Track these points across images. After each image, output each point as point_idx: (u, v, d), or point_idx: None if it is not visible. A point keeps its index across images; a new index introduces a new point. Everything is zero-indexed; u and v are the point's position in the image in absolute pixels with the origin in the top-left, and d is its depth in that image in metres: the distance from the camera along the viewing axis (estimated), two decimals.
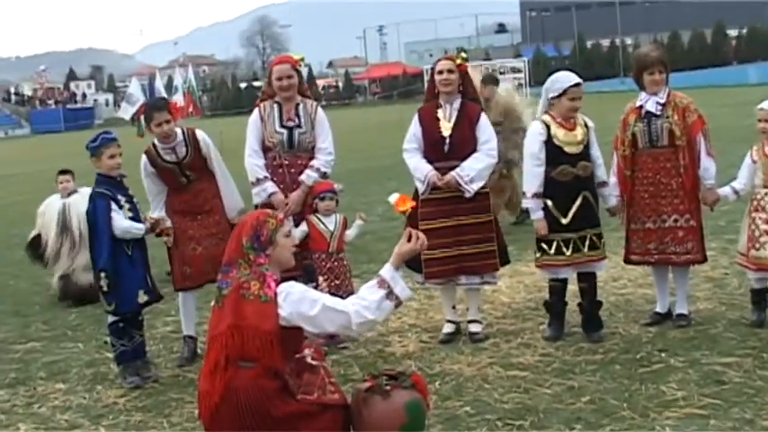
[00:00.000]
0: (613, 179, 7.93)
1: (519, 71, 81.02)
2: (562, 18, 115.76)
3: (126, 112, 40.26)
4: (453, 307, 8.16)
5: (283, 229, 5.17)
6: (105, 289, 7.36)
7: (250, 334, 4.89)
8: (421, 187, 7.88)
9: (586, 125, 7.71)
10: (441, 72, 7.91)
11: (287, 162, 8.09)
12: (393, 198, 5.63)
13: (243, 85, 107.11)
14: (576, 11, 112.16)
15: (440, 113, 7.91)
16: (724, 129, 22.03)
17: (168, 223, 7.86)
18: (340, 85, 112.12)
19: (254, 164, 8.06)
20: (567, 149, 7.58)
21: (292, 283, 5.08)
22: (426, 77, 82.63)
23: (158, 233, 7.77)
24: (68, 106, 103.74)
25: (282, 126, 8.06)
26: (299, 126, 8.04)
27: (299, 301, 4.93)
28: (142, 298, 7.49)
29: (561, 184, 7.59)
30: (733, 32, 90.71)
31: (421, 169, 7.85)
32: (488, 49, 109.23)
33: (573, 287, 7.98)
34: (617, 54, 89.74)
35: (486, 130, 7.94)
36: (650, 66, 7.74)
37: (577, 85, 7.66)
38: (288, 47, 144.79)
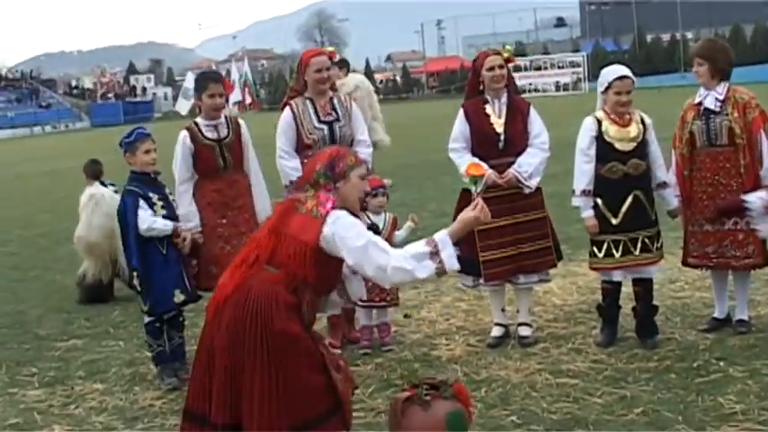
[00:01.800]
0: (673, 179, 7.63)
1: (578, 65, 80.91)
2: (622, 12, 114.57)
3: (182, 106, 40.47)
4: (503, 309, 7.91)
5: (360, 170, 5.02)
6: (138, 288, 7.21)
7: (287, 241, 4.76)
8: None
9: (643, 122, 7.40)
10: (492, 68, 7.63)
11: None
12: (465, 165, 5.39)
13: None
14: (636, 5, 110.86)
15: (488, 109, 7.64)
16: None
17: (196, 228, 7.61)
18: (398, 78, 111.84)
19: (289, 166, 7.74)
20: (618, 146, 7.27)
21: (347, 213, 4.87)
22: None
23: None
24: (128, 99, 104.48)
25: (321, 122, 7.81)
26: (338, 120, 7.82)
27: (346, 227, 4.74)
28: (179, 297, 7.32)
29: (611, 182, 7.30)
30: None
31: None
32: (547, 44, 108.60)
33: (628, 289, 7.69)
34: (677, 48, 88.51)
35: (536, 123, 7.70)
36: (692, 58, 7.53)
37: (622, 77, 7.36)
38: (346, 41, 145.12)
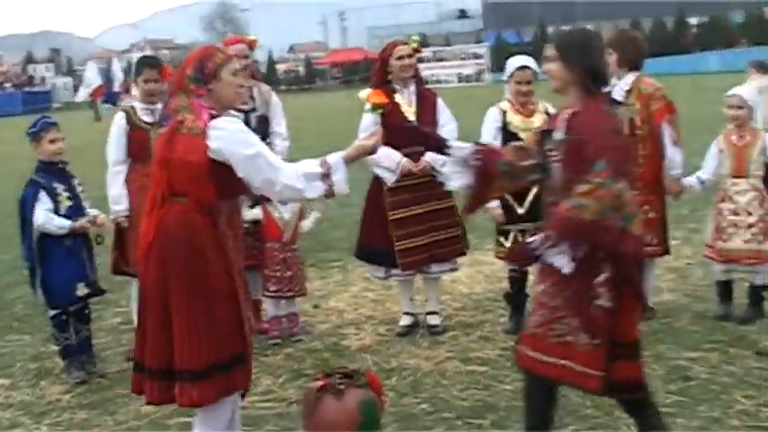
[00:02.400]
0: None
1: (480, 57, 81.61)
2: (524, 5, 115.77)
3: (81, 94, 39.83)
4: (411, 299, 7.93)
5: (230, 65, 4.84)
6: (30, 282, 7.10)
7: (178, 166, 4.66)
8: (390, 177, 7.58)
9: (547, 112, 7.46)
10: (401, 57, 7.64)
11: None
12: (366, 92, 5.33)
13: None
14: None
15: (398, 98, 7.63)
16: (685, 117, 21.81)
17: (105, 221, 7.49)
18: (301, 70, 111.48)
19: None
20: (522, 136, 7.31)
21: (231, 119, 4.79)
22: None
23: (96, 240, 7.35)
24: (26, 89, 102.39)
25: (237, 110, 7.72)
26: (254, 110, 7.77)
27: (232, 137, 4.63)
28: (82, 291, 7.16)
29: None
30: (693, 21, 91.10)
31: (391, 156, 7.52)
32: (449, 35, 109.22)
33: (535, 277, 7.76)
34: None
35: (445, 112, 7.74)
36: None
37: (523, 68, 7.44)
38: (248, 31, 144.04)
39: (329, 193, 4.75)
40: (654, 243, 7.54)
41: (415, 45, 7.79)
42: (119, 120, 7.67)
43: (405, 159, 7.47)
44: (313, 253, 10.58)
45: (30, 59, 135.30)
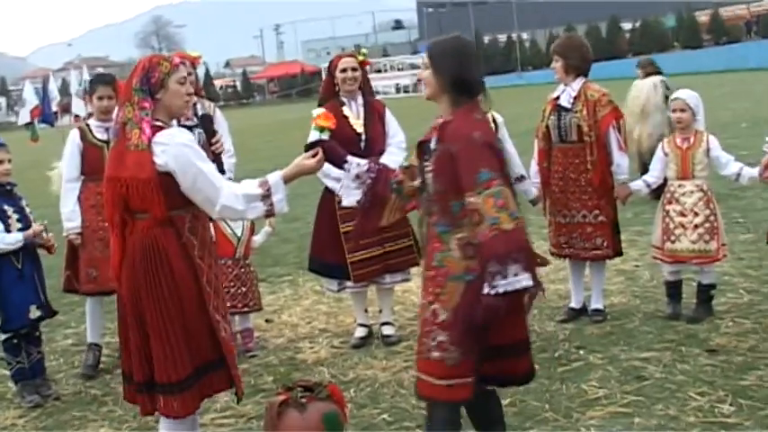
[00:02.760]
0: (534, 168, 7.86)
1: (417, 68, 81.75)
2: (459, 14, 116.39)
3: (22, 116, 39.24)
4: (365, 310, 7.94)
5: (177, 74, 4.80)
6: None
7: (130, 184, 4.64)
8: (338, 187, 7.59)
9: (494, 120, 7.52)
10: (345, 70, 7.68)
11: None
12: (317, 112, 5.32)
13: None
14: (473, 6, 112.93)
15: (346, 111, 7.65)
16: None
17: (76, 229, 7.49)
18: (238, 84, 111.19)
19: None
20: None
21: (175, 132, 4.73)
22: (324, 75, 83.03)
23: (40, 245, 7.23)
24: None
25: (181, 125, 7.65)
26: (197, 126, 7.73)
27: (175, 152, 4.60)
28: (34, 313, 7.09)
29: None
30: (627, 26, 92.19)
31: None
32: (386, 46, 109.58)
33: None
34: (514, 49, 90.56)
35: (393, 123, 7.79)
36: (552, 55, 7.76)
37: None
38: (183, 47, 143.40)
39: (269, 214, 4.78)
40: (605, 246, 7.64)
41: (361, 57, 7.81)
42: (73, 137, 7.63)
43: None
44: (262, 268, 10.55)
45: None
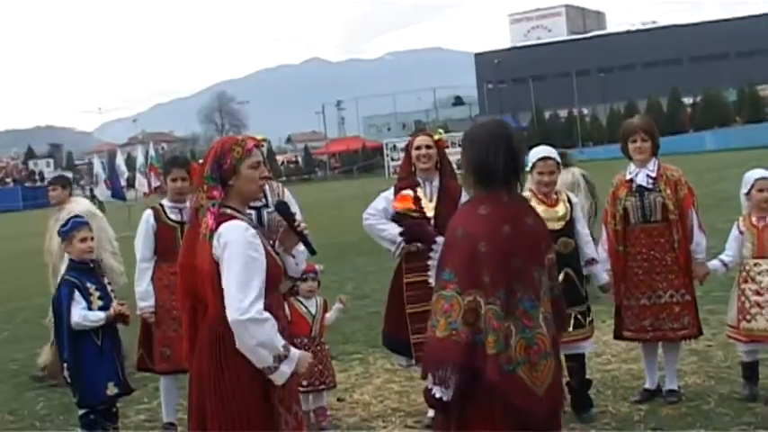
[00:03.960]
0: (604, 254, 7.79)
1: None
2: (519, 89, 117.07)
3: (101, 192, 39.90)
4: None
5: (250, 159, 4.78)
6: (68, 380, 7.15)
7: (198, 273, 4.66)
8: (392, 248, 7.70)
9: (569, 201, 7.57)
10: (419, 147, 7.75)
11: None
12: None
13: (201, 161, 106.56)
14: (533, 82, 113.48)
15: (420, 192, 7.73)
16: None
17: (150, 309, 7.63)
18: (300, 160, 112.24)
19: None
20: (547, 226, 7.39)
21: (235, 227, 4.61)
22: (386, 151, 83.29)
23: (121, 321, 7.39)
24: (26, 185, 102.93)
25: (249, 207, 7.70)
26: (266, 206, 7.82)
27: (227, 249, 4.53)
28: (111, 390, 7.23)
29: None
30: (688, 100, 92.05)
31: (394, 231, 7.66)
32: (447, 122, 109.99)
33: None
34: (575, 124, 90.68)
35: None
36: (633, 133, 7.70)
37: (544, 159, 7.51)
38: (246, 122, 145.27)
39: (266, 372, 4.59)
40: (689, 325, 7.63)
41: (437, 137, 7.87)
42: (147, 217, 7.80)
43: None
44: (332, 345, 10.55)
45: (30, 154, 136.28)
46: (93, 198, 40.34)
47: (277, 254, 4.94)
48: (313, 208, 38.39)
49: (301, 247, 5.36)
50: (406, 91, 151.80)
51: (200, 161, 5.19)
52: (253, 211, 7.55)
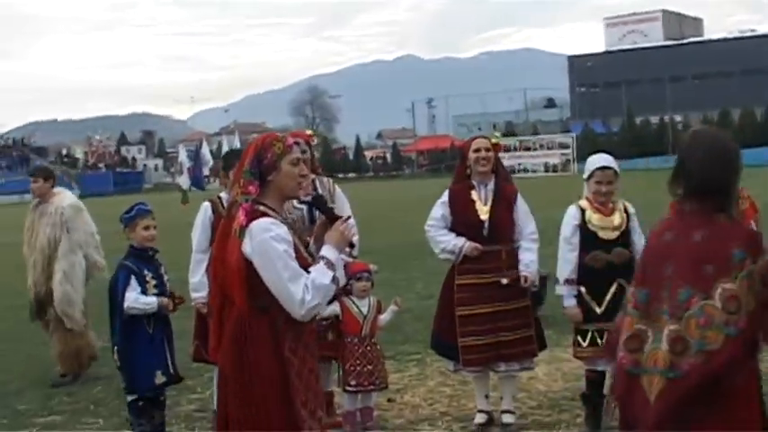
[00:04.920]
0: None
1: (567, 147, 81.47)
2: (612, 94, 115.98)
3: (183, 181, 40.48)
4: (486, 396, 7.86)
5: (290, 155, 4.79)
6: (119, 365, 7.21)
7: (228, 267, 4.66)
8: (452, 257, 7.66)
9: (626, 210, 7.42)
10: (478, 150, 7.68)
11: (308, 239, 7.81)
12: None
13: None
14: (626, 87, 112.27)
15: (474, 195, 7.67)
16: None
17: (202, 300, 7.67)
18: (388, 156, 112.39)
19: None
20: (601, 234, 7.29)
21: (267, 224, 4.62)
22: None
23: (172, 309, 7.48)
24: (118, 170, 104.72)
25: (301, 201, 7.50)
26: (308, 203, 7.77)
27: (259, 248, 4.56)
28: (160, 379, 7.28)
29: (594, 271, 7.29)
30: None
31: (454, 240, 7.64)
32: (537, 124, 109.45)
33: None
34: (666, 131, 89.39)
35: (523, 212, 7.74)
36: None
37: (604, 168, 7.39)
38: (337, 117, 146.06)
39: (337, 286, 4.74)
40: None
41: (495, 140, 7.81)
42: (205, 209, 7.86)
43: (469, 243, 7.54)
44: (392, 345, 10.55)
45: (123, 140, 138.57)
46: (180, 189, 40.68)
47: (311, 256, 4.90)
48: (393, 206, 38.46)
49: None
50: (497, 91, 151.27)
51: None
52: (303, 206, 7.53)
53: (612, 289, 7.20)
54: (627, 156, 69.80)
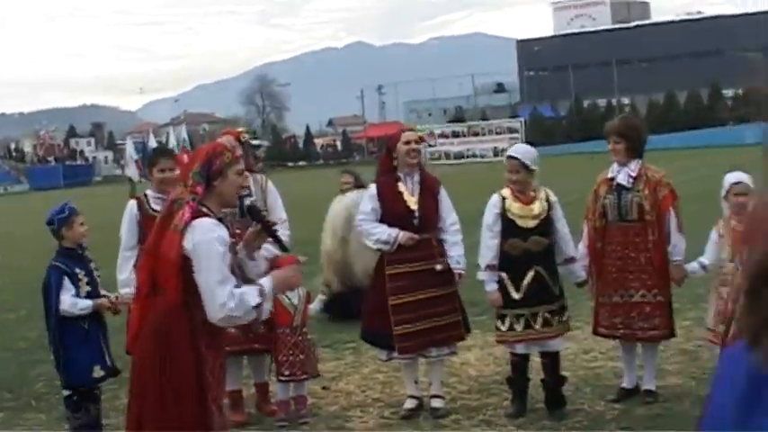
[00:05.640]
0: (583, 251, 7.86)
1: (515, 131, 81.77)
2: (559, 77, 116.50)
3: (132, 173, 40.23)
4: (416, 381, 8.04)
5: (237, 166, 5.09)
6: (55, 363, 7.30)
7: (160, 260, 4.88)
8: (386, 248, 7.80)
9: (548, 199, 7.63)
10: (408, 142, 7.85)
11: (239, 231, 7.92)
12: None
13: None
14: (573, 70, 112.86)
15: (401, 187, 7.84)
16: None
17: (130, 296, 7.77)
18: (338, 144, 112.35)
19: None
20: (519, 223, 7.51)
21: (210, 224, 4.88)
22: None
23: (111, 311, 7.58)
24: (67, 163, 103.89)
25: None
26: (249, 195, 7.91)
27: (198, 245, 4.79)
28: (98, 373, 7.38)
29: (512, 258, 7.52)
30: (729, 93, 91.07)
31: (388, 231, 7.78)
32: (486, 109, 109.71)
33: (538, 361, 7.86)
34: (613, 114, 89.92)
35: (446, 204, 7.94)
36: (608, 135, 7.80)
37: (510, 158, 7.66)
38: (287, 105, 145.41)
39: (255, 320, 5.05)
40: (662, 326, 7.66)
41: (421, 133, 7.99)
42: (131, 207, 7.94)
43: (403, 233, 7.69)
44: (329, 333, 10.71)
45: (72, 133, 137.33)
46: (130, 181, 40.46)
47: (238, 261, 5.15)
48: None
49: (263, 250, 5.54)
50: (447, 76, 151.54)
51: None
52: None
53: (529, 276, 7.43)
54: (575, 139, 70.40)
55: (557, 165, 36.91)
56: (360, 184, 11.52)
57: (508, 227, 7.53)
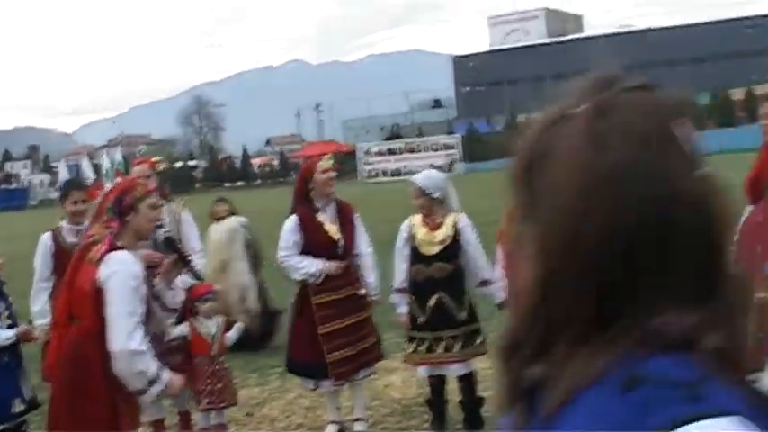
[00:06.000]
0: (500, 273, 7.88)
1: (452, 147, 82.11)
2: (495, 93, 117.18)
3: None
4: (338, 407, 8.11)
5: (149, 200, 5.18)
6: None
7: (76, 290, 4.97)
8: (312, 279, 7.84)
9: (456, 225, 7.67)
10: (326, 171, 7.88)
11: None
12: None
13: (178, 164, 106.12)
14: (509, 85, 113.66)
15: (321, 217, 7.89)
16: None
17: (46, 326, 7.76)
18: (276, 163, 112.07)
19: None
20: (422, 250, 7.60)
21: (124, 258, 4.97)
22: (359, 155, 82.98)
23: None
24: (2, 187, 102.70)
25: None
26: (161, 226, 7.93)
27: (111, 278, 4.88)
28: (18, 407, 7.31)
29: (417, 283, 7.64)
30: None
31: (315, 263, 7.81)
32: (423, 125, 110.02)
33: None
34: None
35: (360, 229, 8.05)
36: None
37: (411, 183, 7.79)
38: (224, 125, 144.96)
39: (140, 393, 5.05)
40: None
41: (333, 162, 8.05)
42: (45, 239, 7.92)
43: (329, 264, 7.77)
44: (255, 358, 10.74)
45: (7, 157, 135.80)
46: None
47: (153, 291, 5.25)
48: (277, 212, 38.42)
49: (179, 280, 5.63)
50: (383, 95, 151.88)
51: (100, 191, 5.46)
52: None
53: (432, 301, 7.53)
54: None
55: (492, 180, 37.08)
56: (233, 212, 11.69)
57: (413, 253, 7.63)
